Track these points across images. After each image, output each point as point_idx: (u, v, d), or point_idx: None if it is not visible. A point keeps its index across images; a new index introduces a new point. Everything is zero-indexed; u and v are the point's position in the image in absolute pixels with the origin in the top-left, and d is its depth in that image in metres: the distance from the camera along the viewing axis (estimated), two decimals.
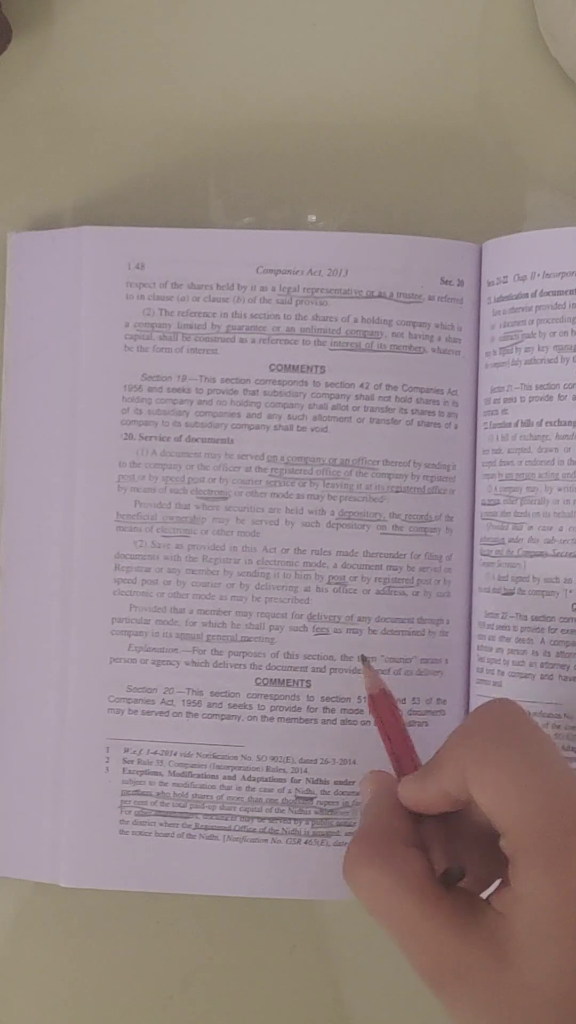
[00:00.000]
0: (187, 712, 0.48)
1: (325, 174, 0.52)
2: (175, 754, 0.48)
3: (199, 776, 0.48)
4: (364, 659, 0.46)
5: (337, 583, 0.48)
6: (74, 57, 0.52)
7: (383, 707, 0.44)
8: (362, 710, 0.48)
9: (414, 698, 0.48)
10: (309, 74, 0.52)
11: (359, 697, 0.48)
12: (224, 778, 0.48)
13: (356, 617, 0.48)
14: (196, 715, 0.48)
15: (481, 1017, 0.37)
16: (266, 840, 0.48)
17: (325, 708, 0.48)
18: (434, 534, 0.48)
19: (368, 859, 0.39)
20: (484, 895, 0.39)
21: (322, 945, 0.51)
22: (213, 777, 0.48)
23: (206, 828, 0.48)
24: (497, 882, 0.39)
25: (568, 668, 0.46)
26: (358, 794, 0.48)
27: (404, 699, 0.48)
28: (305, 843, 0.48)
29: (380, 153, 0.52)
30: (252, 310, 0.48)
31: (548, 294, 0.47)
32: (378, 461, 0.48)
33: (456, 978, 0.37)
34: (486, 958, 0.37)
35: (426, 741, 0.48)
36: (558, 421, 0.47)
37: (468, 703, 0.49)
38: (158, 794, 0.48)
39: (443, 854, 0.40)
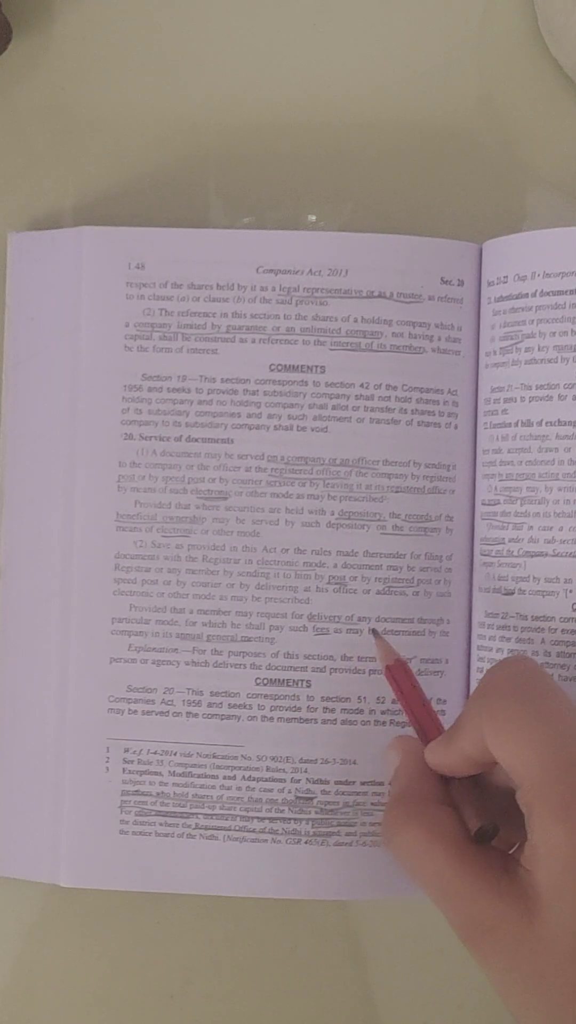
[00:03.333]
0: (187, 712, 0.48)
1: (325, 174, 0.52)
2: (175, 754, 0.48)
3: (199, 776, 0.48)
4: (375, 632, 0.47)
5: (337, 583, 0.48)
6: (74, 57, 0.52)
7: (401, 676, 0.45)
8: (362, 710, 0.48)
9: None
10: (309, 74, 0.52)
11: (359, 697, 0.48)
12: (224, 778, 0.48)
13: (356, 617, 0.48)
14: (196, 715, 0.48)
15: (511, 971, 0.38)
16: (266, 840, 0.48)
17: (325, 708, 0.48)
18: (434, 534, 0.48)
19: (405, 819, 0.40)
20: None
21: (322, 945, 0.51)
22: (213, 777, 0.48)
23: (206, 828, 0.48)
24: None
25: (568, 668, 0.46)
26: (361, 787, 0.48)
27: None
28: (305, 843, 0.48)
29: (380, 153, 0.52)
30: (252, 310, 0.48)
31: (548, 294, 0.47)
32: (378, 461, 0.48)
33: (487, 933, 0.38)
34: (514, 913, 0.38)
35: None
36: (558, 421, 0.47)
37: None
38: (158, 794, 0.48)
39: (474, 813, 0.41)
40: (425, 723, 0.44)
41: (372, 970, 0.51)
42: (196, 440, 0.49)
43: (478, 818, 0.40)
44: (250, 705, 0.48)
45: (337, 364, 0.48)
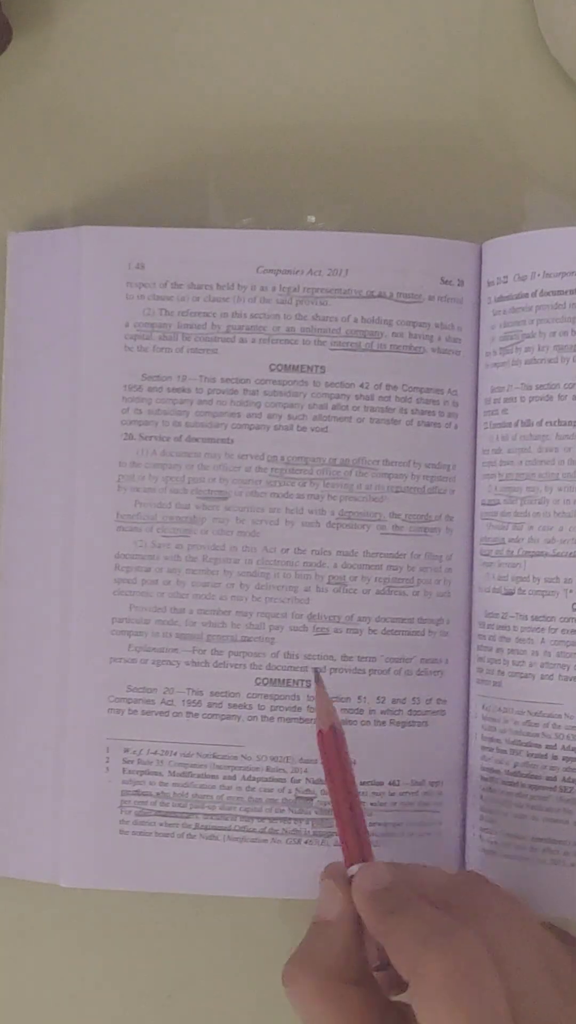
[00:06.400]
0: (187, 712, 0.48)
1: (325, 174, 0.52)
2: (175, 754, 0.48)
3: (199, 776, 0.48)
4: (317, 675, 0.46)
5: (337, 583, 0.48)
6: (74, 57, 0.52)
7: (330, 748, 0.44)
8: (362, 710, 0.48)
9: (414, 698, 0.48)
10: (309, 74, 0.52)
11: (359, 697, 0.48)
12: (224, 778, 0.48)
13: (356, 617, 0.48)
14: (196, 715, 0.48)
15: None
16: (266, 840, 0.48)
17: None
18: (434, 534, 0.48)
19: (318, 996, 0.42)
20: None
21: None
22: (213, 777, 0.48)
23: (206, 828, 0.48)
24: None
25: (568, 668, 0.46)
26: (361, 787, 0.48)
27: (404, 699, 0.48)
28: (305, 843, 0.48)
29: (380, 153, 0.52)
30: (252, 310, 0.48)
31: (548, 294, 0.47)
32: (378, 461, 0.48)
33: None
34: None
35: (426, 741, 0.48)
36: (558, 421, 0.47)
37: (468, 703, 0.49)
38: (158, 794, 0.48)
39: (376, 949, 0.42)
40: (343, 813, 0.44)
41: None
42: (196, 440, 0.49)
43: (379, 956, 0.41)
44: (250, 705, 0.48)
45: (337, 364, 0.48)
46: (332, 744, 0.44)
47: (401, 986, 0.41)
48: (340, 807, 0.44)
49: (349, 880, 0.43)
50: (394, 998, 0.42)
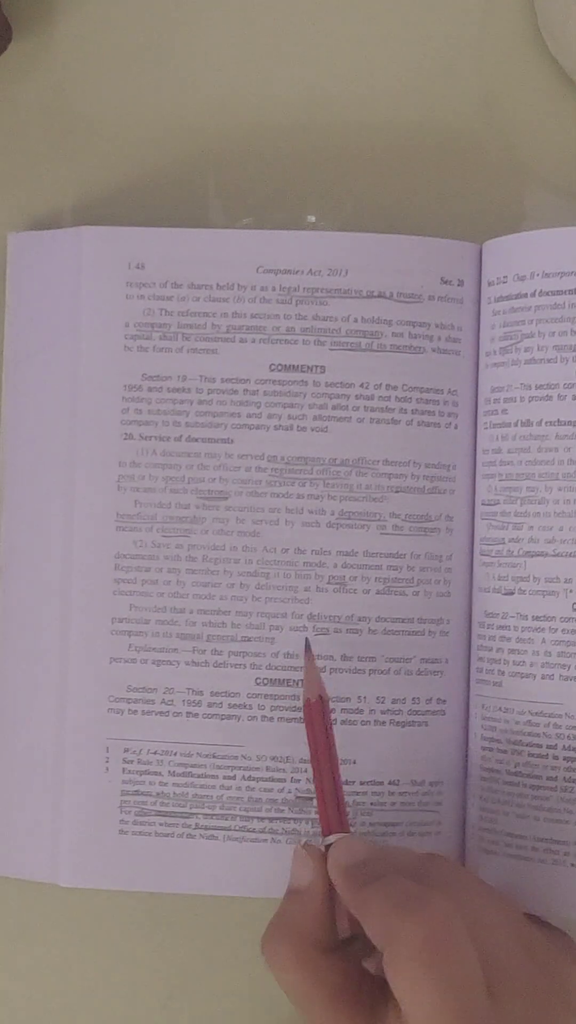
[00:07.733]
0: (187, 712, 0.48)
1: (325, 174, 0.52)
2: (175, 754, 0.48)
3: (199, 776, 0.48)
4: (308, 644, 0.47)
5: (337, 583, 0.48)
6: (74, 57, 0.52)
7: (317, 718, 0.45)
8: (362, 710, 0.48)
9: (414, 698, 0.48)
10: (309, 74, 0.52)
11: (359, 697, 0.48)
12: (224, 778, 0.48)
13: (356, 617, 0.48)
14: (196, 715, 0.48)
15: None
16: (266, 840, 0.48)
17: None
18: (434, 534, 0.48)
19: (294, 964, 0.42)
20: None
21: None
22: (213, 777, 0.48)
23: (206, 828, 0.48)
24: None
25: (568, 668, 0.46)
26: (361, 786, 0.48)
27: (404, 699, 0.48)
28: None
29: (380, 153, 0.52)
30: (252, 310, 0.48)
31: (548, 294, 0.47)
32: (378, 461, 0.48)
33: None
34: None
35: (426, 741, 0.48)
36: (558, 421, 0.47)
37: (468, 703, 0.49)
38: (158, 794, 0.48)
39: (348, 918, 0.42)
40: (325, 784, 0.44)
41: None
42: (196, 440, 0.49)
43: (350, 926, 0.42)
44: (250, 705, 0.48)
45: (337, 364, 0.48)
46: (320, 714, 0.45)
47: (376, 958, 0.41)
48: (323, 777, 0.44)
49: (324, 849, 0.43)
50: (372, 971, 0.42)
